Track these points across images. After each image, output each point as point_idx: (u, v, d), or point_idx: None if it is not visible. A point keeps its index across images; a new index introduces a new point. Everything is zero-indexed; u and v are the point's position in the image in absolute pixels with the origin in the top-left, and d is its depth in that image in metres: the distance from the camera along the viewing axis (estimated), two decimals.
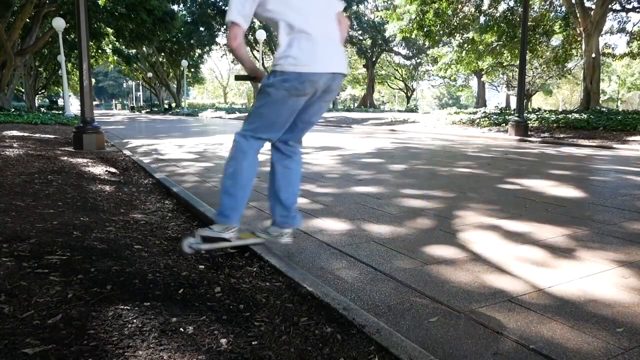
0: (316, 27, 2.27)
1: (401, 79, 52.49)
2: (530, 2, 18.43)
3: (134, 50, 32.99)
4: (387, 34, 24.86)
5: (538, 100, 56.15)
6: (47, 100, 52.86)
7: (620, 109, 24.45)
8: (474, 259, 2.74)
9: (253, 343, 1.65)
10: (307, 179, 5.49)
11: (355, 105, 53.73)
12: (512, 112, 16.21)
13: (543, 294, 2.25)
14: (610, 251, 2.89)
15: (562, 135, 12.11)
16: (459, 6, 19.47)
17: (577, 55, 24.43)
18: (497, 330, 1.89)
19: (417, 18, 18.66)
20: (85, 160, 6.36)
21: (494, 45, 21.53)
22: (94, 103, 9.78)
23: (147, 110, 48.48)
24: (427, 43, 25.25)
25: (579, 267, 2.61)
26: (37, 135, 10.15)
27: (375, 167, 6.62)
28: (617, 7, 19.85)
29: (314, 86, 2.29)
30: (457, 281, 2.40)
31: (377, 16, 34.14)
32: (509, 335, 1.86)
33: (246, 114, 23.65)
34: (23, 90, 33.70)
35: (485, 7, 20.10)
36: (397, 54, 47.46)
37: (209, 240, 2.52)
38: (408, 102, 53.21)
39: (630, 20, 22.77)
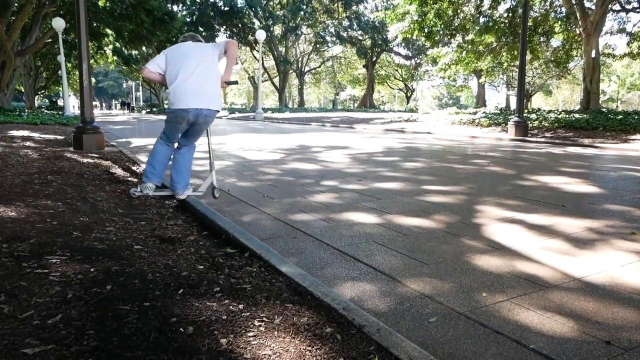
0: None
1: (401, 79, 52.46)
2: (530, 3, 18.42)
3: (135, 51, 32.96)
4: (389, 35, 24.87)
5: (538, 100, 56.14)
6: (47, 101, 52.85)
7: (620, 109, 24.46)
8: (477, 258, 2.74)
9: (253, 343, 1.65)
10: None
11: (355, 105, 53.73)
12: (512, 112, 16.22)
13: (543, 294, 2.24)
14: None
15: (562, 135, 12.11)
16: (459, 7, 19.46)
17: (577, 56, 24.44)
18: (496, 330, 1.89)
19: (418, 19, 18.64)
20: (85, 160, 6.36)
21: (493, 46, 21.52)
22: (94, 103, 9.76)
23: (148, 110, 48.47)
24: (427, 43, 25.26)
25: (585, 265, 2.61)
26: (37, 135, 10.15)
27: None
28: (617, 7, 19.85)
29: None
30: (457, 281, 2.40)
31: (377, 16, 34.14)
32: (509, 334, 1.85)
33: (247, 114, 23.42)
34: (23, 90, 33.68)
35: (485, 7, 20.09)
36: (397, 54, 47.47)
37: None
38: (408, 102, 53.18)
39: (630, 21, 22.79)
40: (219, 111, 4.07)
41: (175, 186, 4.06)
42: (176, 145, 4.20)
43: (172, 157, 4.18)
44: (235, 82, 4.49)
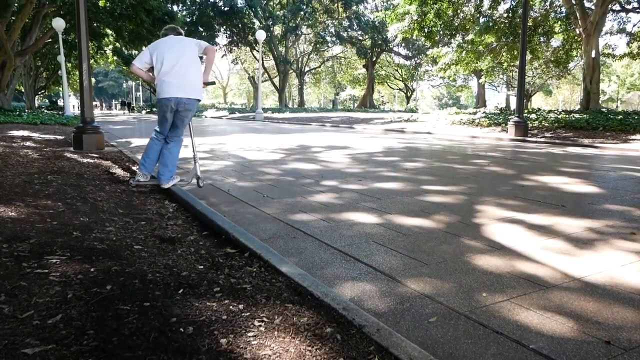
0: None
1: (401, 79, 52.47)
2: (530, 3, 18.42)
3: (135, 51, 33.00)
4: (388, 35, 24.91)
5: (538, 100, 56.15)
6: (47, 101, 52.84)
7: (620, 109, 24.46)
8: (477, 258, 2.74)
9: (253, 343, 1.65)
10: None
11: (355, 105, 53.73)
12: (512, 112, 16.23)
13: (543, 294, 2.24)
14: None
15: (562, 135, 12.11)
16: (459, 7, 19.47)
17: (577, 56, 24.44)
18: (496, 330, 1.89)
19: (418, 19, 18.65)
20: (85, 160, 6.36)
21: (493, 46, 21.54)
22: (94, 103, 9.77)
23: (148, 110, 48.50)
24: (427, 43, 25.27)
25: (585, 265, 2.61)
26: (37, 135, 10.15)
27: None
28: (617, 7, 19.85)
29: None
30: (457, 281, 2.40)
31: (377, 16, 34.13)
32: (509, 334, 1.85)
33: (247, 114, 23.45)
34: (23, 90, 33.68)
35: (485, 7, 20.10)
36: (397, 54, 47.46)
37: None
38: (408, 102, 53.18)
39: (630, 21, 22.78)
40: (199, 100, 4.59)
41: (160, 177, 4.57)
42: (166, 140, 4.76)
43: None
44: (213, 83, 5.01)
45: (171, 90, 4.38)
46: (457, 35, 21.16)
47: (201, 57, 4.68)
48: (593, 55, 16.72)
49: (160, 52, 4.40)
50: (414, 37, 22.92)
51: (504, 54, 22.22)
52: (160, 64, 4.37)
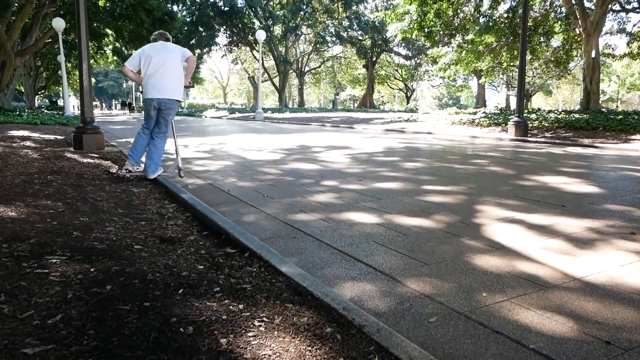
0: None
1: (401, 79, 52.47)
2: (530, 3, 18.42)
3: (135, 51, 33.03)
4: (388, 34, 24.93)
5: (538, 100, 56.15)
6: (47, 101, 52.81)
7: (620, 109, 24.47)
8: (477, 258, 2.74)
9: (253, 343, 1.65)
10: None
11: (355, 105, 53.71)
12: (512, 112, 16.22)
13: (543, 294, 2.24)
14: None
15: (562, 135, 12.11)
16: (459, 7, 19.48)
17: (577, 56, 24.45)
18: (496, 330, 1.89)
19: (418, 19, 18.66)
20: (85, 160, 6.36)
21: (493, 46, 21.56)
22: (94, 103, 9.79)
23: None
24: (427, 43, 25.28)
25: (585, 265, 2.61)
26: (36, 135, 10.15)
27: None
28: (617, 7, 19.85)
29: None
30: (457, 281, 2.40)
31: (377, 16, 34.12)
32: (509, 334, 1.85)
33: (247, 114, 23.40)
34: (23, 90, 33.68)
35: (485, 7, 20.11)
36: (397, 54, 47.45)
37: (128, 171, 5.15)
38: (408, 102, 53.17)
39: (630, 21, 22.80)
40: (179, 100, 5.25)
41: (146, 169, 5.13)
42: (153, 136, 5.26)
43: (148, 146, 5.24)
44: (192, 86, 5.83)
45: (154, 92, 5.01)
46: (457, 35, 21.15)
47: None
48: (593, 55, 16.72)
49: (148, 56, 4.99)
50: (414, 37, 22.92)
51: (504, 54, 22.24)
52: (147, 67, 4.97)
